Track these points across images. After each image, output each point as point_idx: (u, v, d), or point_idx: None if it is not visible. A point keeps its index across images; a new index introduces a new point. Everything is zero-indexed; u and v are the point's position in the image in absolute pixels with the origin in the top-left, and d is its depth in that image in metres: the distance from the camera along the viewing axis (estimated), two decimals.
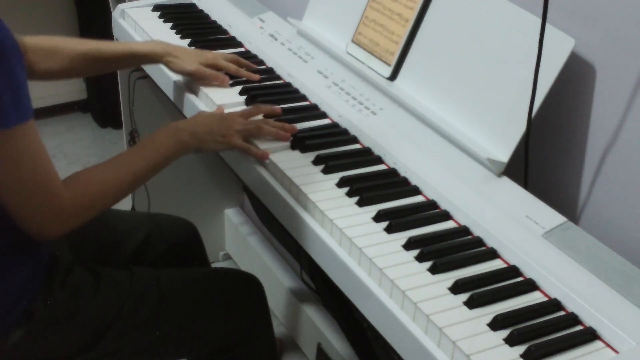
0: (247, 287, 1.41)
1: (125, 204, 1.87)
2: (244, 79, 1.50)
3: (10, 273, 1.12)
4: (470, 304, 0.94)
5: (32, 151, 1.02)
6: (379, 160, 1.26)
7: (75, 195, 1.08)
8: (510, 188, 1.16)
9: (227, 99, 1.42)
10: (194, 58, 1.47)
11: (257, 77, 1.51)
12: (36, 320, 1.13)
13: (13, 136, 0.98)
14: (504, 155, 1.17)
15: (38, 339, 1.14)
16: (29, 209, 1.05)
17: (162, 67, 1.59)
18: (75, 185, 1.09)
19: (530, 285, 1.00)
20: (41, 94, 2.84)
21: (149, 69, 1.68)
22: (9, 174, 1.01)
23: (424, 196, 1.17)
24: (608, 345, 0.91)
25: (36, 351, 1.16)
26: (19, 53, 0.98)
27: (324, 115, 1.40)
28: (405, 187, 1.19)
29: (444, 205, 1.14)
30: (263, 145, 1.26)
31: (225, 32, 1.75)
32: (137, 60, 1.51)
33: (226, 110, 1.37)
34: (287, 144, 1.28)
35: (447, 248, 1.04)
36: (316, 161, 1.23)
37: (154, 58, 1.48)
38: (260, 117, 1.33)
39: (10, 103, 0.96)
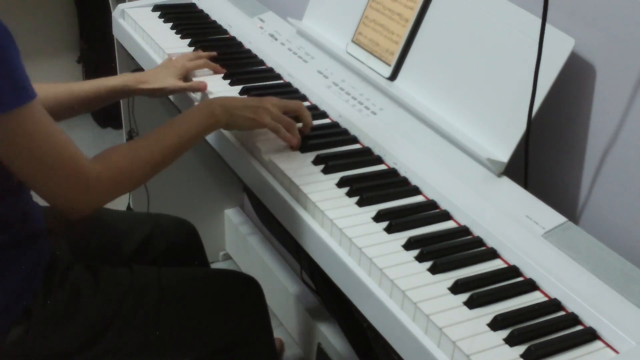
0: (246, 288, 1.41)
1: (121, 204, 1.87)
2: (244, 78, 1.49)
3: (10, 272, 1.12)
4: (470, 304, 0.94)
5: (43, 130, 1.01)
6: (379, 160, 1.26)
7: (104, 169, 1.08)
8: (510, 188, 1.16)
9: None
10: (166, 75, 1.45)
11: (222, 70, 1.52)
12: (36, 319, 1.13)
13: (15, 120, 0.97)
14: (504, 155, 1.17)
15: (37, 338, 1.14)
16: (57, 186, 1.05)
17: None
18: (105, 160, 1.10)
19: (530, 285, 0.99)
20: None
21: (148, 68, 1.68)
22: (27, 157, 1.01)
23: (424, 196, 1.17)
24: (608, 345, 0.91)
25: (36, 350, 1.16)
26: (9, 36, 0.97)
27: (324, 115, 1.40)
28: (405, 187, 1.19)
29: (444, 205, 1.14)
30: (265, 148, 1.26)
31: (225, 32, 1.75)
32: (113, 95, 1.45)
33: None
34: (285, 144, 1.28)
35: (447, 248, 1.04)
36: (316, 161, 1.23)
37: (128, 90, 1.44)
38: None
39: (5, 87, 0.95)
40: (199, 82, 1.46)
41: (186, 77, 1.49)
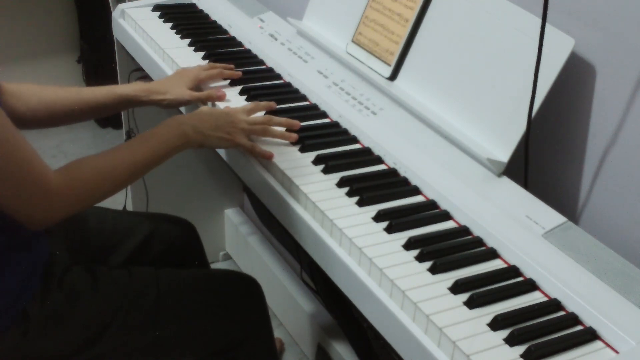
0: (246, 288, 1.41)
1: (117, 204, 1.87)
2: (244, 78, 1.49)
3: (8, 273, 1.11)
4: (470, 304, 0.94)
5: (4, 139, 0.98)
6: (379, 160, 1.26)
7: (67, 182, 1.06)
8: (510, 188, 1.16)
9: (227, 98, 1.43)
10: (180, 85, 1.41)
11: (239, 74, 1.48)
12: (33, 321, 1.13)
13: None
14: (504, 155, 1.17)
15: (35, 340, 1.14)
16: (17, 197, 1.02)
17: (162, 66, 1.60)
18: (68, 173, 1.07)
19: (530, 285, 1.00)
20: None
21: (148, 68, 1.68)
22: None
23: (424, 196, 1.17)
24: (608, 345, 0.91)
25: (33, 352, 1.15)
26: None
27: (324, 115, 1.40)
28: (405, 187, 1.19)
29: (444, 205, 1.14)
30: (265, 146, 1.26)
31: (225, 32, 1.75)
32: (122, 103, 1.41)
33: None
34: (288, 142, 1.28)
35: (447, 248, 1.04)
36: (316, 161, 1.23)
37: (139, 100, 1.41)
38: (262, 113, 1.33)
39: None
40: (217, 90, 1.42)
41: (198, 88, 1.44)
